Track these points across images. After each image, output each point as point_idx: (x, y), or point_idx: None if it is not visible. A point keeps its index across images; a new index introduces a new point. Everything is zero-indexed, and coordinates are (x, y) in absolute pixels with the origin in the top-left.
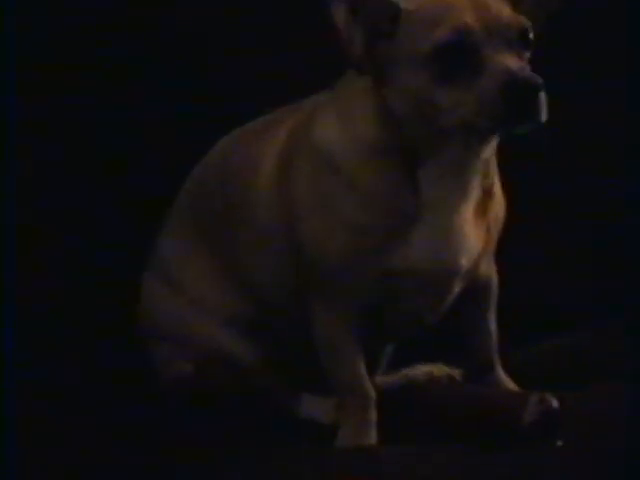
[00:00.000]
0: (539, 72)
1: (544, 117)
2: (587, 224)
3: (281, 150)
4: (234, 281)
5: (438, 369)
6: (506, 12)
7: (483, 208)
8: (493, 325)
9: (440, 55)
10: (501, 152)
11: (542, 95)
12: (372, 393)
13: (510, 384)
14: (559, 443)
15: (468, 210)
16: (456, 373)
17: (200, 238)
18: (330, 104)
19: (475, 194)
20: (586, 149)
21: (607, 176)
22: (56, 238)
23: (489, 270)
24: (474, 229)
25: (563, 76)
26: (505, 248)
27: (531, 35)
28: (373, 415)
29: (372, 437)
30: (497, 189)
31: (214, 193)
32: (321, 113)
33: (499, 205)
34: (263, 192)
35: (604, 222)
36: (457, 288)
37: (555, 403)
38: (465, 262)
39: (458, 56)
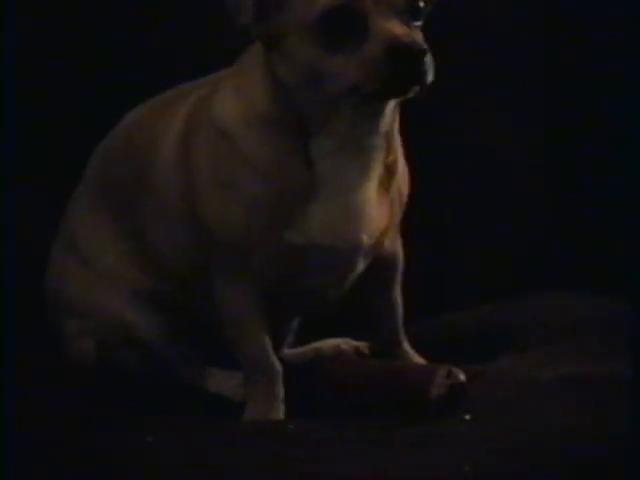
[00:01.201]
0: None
1: (429, 79)
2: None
3: (182, 125)
4: (139, 255)
5: (346, 343)
6: None
7: (386, 185)
8: (398, 299)
9: (327, 22)
10: (408, 126)
11: (427, 59)
12: (278, 368)
13: (417, 357)
14: (466, 417)
15: (370, 188)
16: (364, 347)
17: (107, 210)
18: (229, 79)
19: (377, 171)
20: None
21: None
22: None
23: (394, 245)
24: (377, 206)
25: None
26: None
27: (421, 4)
28: (280, 390)
29: (279, 411)
30: (400, 165)
31: (120, 166)
32: (220, 88)
33: (403, 181)
34: (165, 167)
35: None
36: (361, 264)
37: (462, 376)
38: (367, 239)
39: (344, 22)
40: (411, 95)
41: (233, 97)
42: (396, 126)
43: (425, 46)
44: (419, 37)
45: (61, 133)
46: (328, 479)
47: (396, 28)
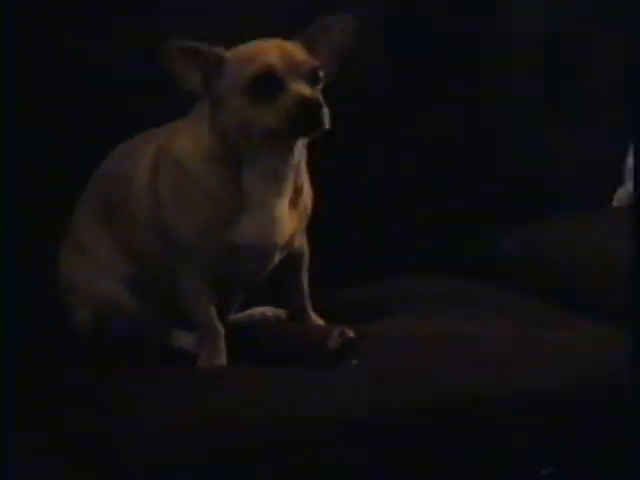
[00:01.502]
0: None
1: (327, 126)
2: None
3: (153, 159)
4: (124, 250)
5: (270, 310)
6: (301, 55)
7: (295, 201)
8: (305, 280)
9: (253, 84)
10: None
11: (324, 110)
12: (221, 329)
13: (319, 321)
14: (354, 362)
15: (283, 204)
16: (282, 313)
17: (101, 215)
18: (186, 125)
19: (288, 192)
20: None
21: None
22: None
23: (301, 243)
24: (288, 217)
25: None
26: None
27: (321, 73)
28: (222, 344)
29: (222, 360)
30: (306, 187)
31: (109, 187)
32: (180, 129)
33: (308, 198)
34: (140, 191)
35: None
36: (277, 258)
37: (352, 334)
38: (280, 240)
39: (266, 85)
40: (312, 137)
41: (188, 139)
42: (303, 160)
43: (322, 101)
44: (319, 95)
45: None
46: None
47: (302, 88)
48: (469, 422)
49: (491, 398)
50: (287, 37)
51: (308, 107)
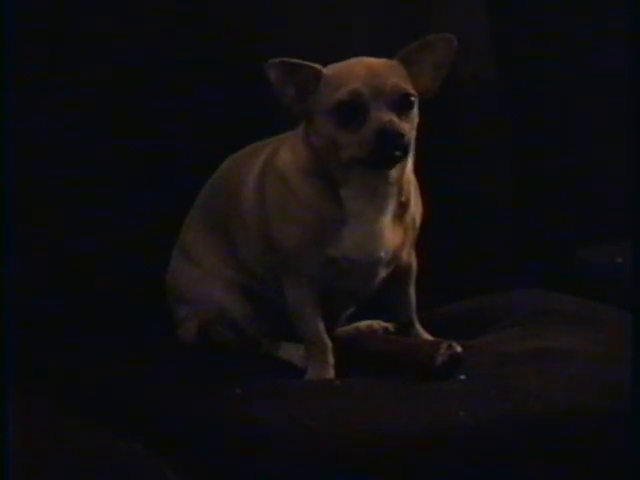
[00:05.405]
0: None
1: (408, 156)
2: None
3: (259, 171)
4: (232, 259)
5: (377, 323)
6: (392, 78)
7: (400, 216)
8: (412, 294)
9: (339, 109)
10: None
11: (405, 140)
12: (329, 343)
13: (426, 335)
14: (462, 377)
15: (386, 219)
16: (390, 326)
17: (210, 227)
18: (287, 141)
19: (391, 208)
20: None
21: None
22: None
23: (409, 258)
24: (392, 232)
25: None
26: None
27: (412, 98)
28: (330, 358)
29: (331, 373)
30: (413, 201)
31: (218, 198)
32: (282, 147)
33: (416, 212)
34: (248, 199)
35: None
36: (382, 273)
37: (459, 348)
38: (384, 255)
39: (351, 110)
40: (394, 166)
41: (288, 153)
42: (406, 174)
43: (403, 131)
44: (404, 124)
45: None
46: (359, 421)
47: (386, 117)
48: (574, 436)
49: (592, 412)
50: (389, 54)
51: (387, 137)
